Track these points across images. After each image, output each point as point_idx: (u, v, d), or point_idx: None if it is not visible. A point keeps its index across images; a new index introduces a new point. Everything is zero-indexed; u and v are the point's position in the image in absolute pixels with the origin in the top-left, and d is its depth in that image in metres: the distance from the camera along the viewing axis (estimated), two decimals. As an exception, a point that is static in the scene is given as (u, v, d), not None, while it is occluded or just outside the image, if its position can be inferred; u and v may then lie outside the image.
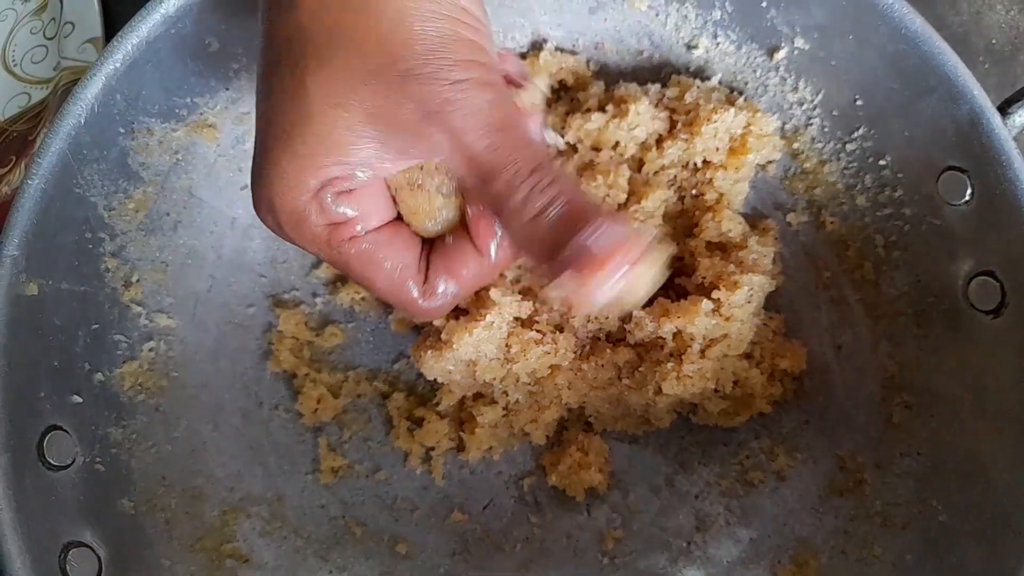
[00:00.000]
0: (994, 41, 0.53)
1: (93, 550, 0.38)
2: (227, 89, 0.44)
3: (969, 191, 0.39)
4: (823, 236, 0.47)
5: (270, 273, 0.49)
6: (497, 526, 0.47)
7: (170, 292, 0.45)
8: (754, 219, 0.48)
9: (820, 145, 0.45)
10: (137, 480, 0.42)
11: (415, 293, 0.33)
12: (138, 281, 0.44)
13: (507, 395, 0.46)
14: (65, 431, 0.39)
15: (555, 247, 0.28)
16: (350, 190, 0.30)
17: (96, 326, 0.42)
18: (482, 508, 0.48)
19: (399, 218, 0.33)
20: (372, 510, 0.47)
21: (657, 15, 0.46)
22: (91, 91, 0.39)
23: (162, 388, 0.45)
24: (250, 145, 0.46)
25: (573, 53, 0.48)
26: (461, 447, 0.47)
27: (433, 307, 0.33)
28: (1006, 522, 0.36)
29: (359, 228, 0.31)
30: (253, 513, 0.46)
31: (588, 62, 0.48)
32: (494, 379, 0.44)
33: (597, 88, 0.47)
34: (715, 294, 0.43)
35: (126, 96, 0.40)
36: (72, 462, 0.39)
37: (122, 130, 0.41)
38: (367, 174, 0.30)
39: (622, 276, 0.27)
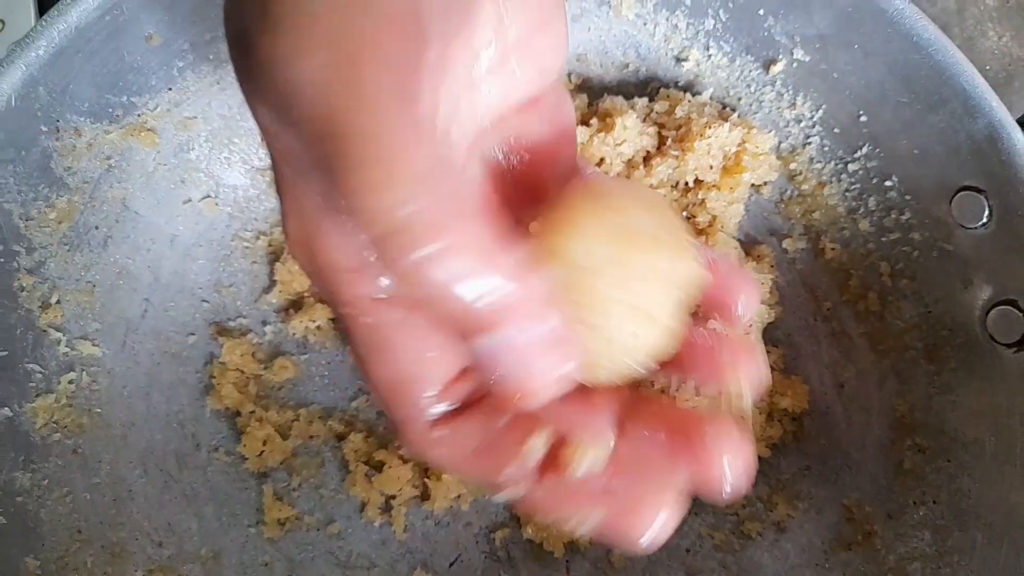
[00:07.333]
0: (988, 68, 0.51)
1: (-15, 619, 0.33)
2: (170, 89, 0.39)
3: (987, 212, 0.36)
4: (822, 264, 0.43)
5: (214, 298, 0.43)
6: (465, 586, 0.42)
7: (96, 317, 0.40)
8: (747, 245, 0.44)
9: (819, 165, 0.42)
10: (46, 534, 0.36)
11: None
12: (58, 303, 0.38)
13: (479, 436, 0.41)
14: (-41, 476, 0.34)
15: None
16: None
17: (4, 352, 0.36)
18: (448, 565, 0.42)
19: None
20: (323, 568, 0.42)
21: (644, 24, 0.42)
22: (7, 82, 0.34)
23: (82, 426, 0.39)
24: (195, 155, 0.42)
25: (554, 64, 0.44)
26: (426, 495, 0.42)
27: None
28: (1043, 580, 0.32)
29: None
30: (184, 573, 0.40)
31: (570, 75, 0.45)
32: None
33: (580, 102, 0.44)
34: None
35: (50, 89, 0.35)
36: (-35, 513, 0.34)
37: (44, 128, 0.36)
38: None
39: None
